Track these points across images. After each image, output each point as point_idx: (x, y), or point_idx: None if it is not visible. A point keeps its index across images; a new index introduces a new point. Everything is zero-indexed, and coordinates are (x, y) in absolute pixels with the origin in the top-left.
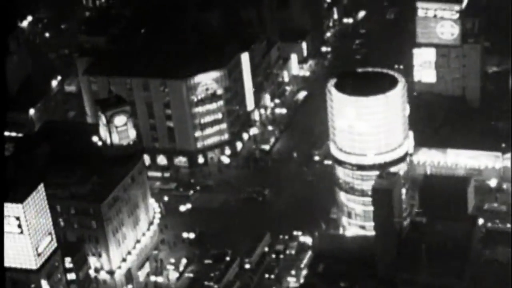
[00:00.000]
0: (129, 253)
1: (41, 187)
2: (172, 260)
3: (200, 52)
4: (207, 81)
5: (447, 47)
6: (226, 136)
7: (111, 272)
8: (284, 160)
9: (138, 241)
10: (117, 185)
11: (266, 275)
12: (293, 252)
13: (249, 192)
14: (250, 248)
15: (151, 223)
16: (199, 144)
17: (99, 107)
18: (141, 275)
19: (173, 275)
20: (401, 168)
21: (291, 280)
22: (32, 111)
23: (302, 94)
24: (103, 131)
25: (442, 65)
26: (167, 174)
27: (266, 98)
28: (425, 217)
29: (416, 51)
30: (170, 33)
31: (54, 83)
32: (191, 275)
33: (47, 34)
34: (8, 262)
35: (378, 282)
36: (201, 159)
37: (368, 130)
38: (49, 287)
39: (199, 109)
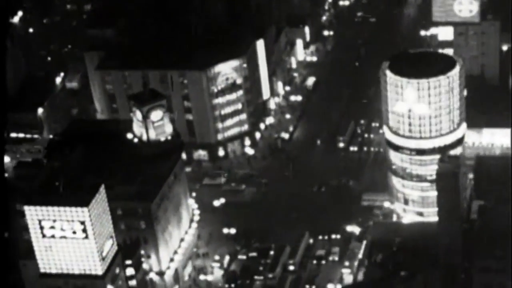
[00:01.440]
0: (175, 252)
1: (102, 189)
2: (217, 257)
3: (215, 41)
4: (227, 70)
5: (465, 25)
6: (246, 127)
7: (161, 273)
8: (308, 148)
9: (182, 240)
10: (164, 182)
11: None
12: (336, 258)
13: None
14: (293, 249)
15: (191, 221)
16: (220, 137)
17: (134, 102)
18: (186, 274)
19: (219, 272)
20: (458, 151)
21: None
22: (40, 111)
23: (311, 80)
24: (137, 127)
25: (459, 44)
26: (188, 169)
27: (279, 86)
28: (482, 200)
29: (433, 30)
30: (178, 23)
31: (57, 80)
32: (237, 270)
33: (30, 30)
34: (71, 269)
35: (442, 270)
36: (221, 152)
37: (429, 112)
38: None
39: (219, 100)
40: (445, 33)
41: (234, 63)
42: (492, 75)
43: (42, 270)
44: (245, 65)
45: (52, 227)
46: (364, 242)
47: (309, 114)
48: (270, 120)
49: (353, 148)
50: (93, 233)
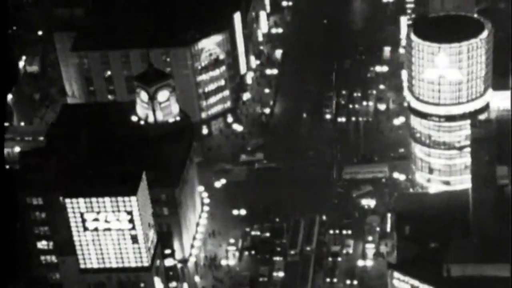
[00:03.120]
0: (194, 238)
1: (144, 176)
2: (232, 240)
3: (194, 15)
4: (210, 46)
5: None
6: (228, 104)
7: (184, 261)
8: (294, 122)
9: (197, 224)
10: (184, 166)
11: (328, 279)
12: (350, 251)
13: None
14: (308, 235)
15: (202, 204)
16: (204, 114)
17: (139, 83)
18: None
19: (234, 255)
20: (485, 115)
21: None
22: (10, 97)
23: (278, 53)
24: (141, 109)
25: (435, 8)
26: None
27: (252, 60)
28: (505, 165)
29: None
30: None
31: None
32: (252, 252)
33: None
34: (115, 262)
35: (475, 239)
36: (205, 130)
37: (461, 77)
38: (163, 285)
39: (203, 77)
40: None
41: (217, 38)
42: None
43: (82, 266)
44: (227, 40)
45: (96, 220)
46: (388, 215)
47: (284, 87)
48: (247, 95)
49: (341, 119)
50: (140, 223)
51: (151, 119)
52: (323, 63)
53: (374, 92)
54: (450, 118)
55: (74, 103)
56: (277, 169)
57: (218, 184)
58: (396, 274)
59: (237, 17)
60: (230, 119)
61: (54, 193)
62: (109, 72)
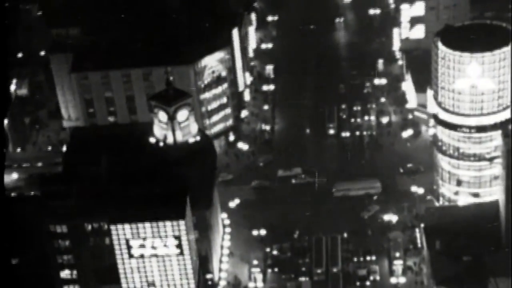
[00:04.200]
0: (221, 261)
1: (187, 199)
2: (255, 262)
3: (194, 32)
4: (213, 63)
5: None
6: (230, 122)
7: (214, 286)
8: (298, 138)
9: (222, 247)
10: (212, 187)
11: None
12: (377, 277)
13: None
14: (332, 256)
15: (224, 225)
16: (207, 133)
17: (157, 102)
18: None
19: (259, 276)
20: None
21: None
22: (6, 122)
23: (269, 68)
24: (159, 129)
25: (430, 19)
26: None
27: (247, 76)
28: None
29: (403, 7)
30: (141, 17)
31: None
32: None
33: None
34: None
35: (506, 252)
36: None
37: (493, 87)
38: None
39: (206, 95)
40: (416, 9)
41: (220, 54)
42: None
43: None
44: (228, 56)
45: (142, 246)
46: (417, 230)
47: (280, 103)
48: (245, 112)
49: (345, 134)
50: (188, 248)
51: (170, 140)
52: (315, 77)
53: (374, 106)
54: (481, 128)
55: (83, 127)
56: (314, 183)
57: (233, 204)
58: None
59: (235, 33)
60: (231, 137)
61: (79, 220)
62: (109, 93)
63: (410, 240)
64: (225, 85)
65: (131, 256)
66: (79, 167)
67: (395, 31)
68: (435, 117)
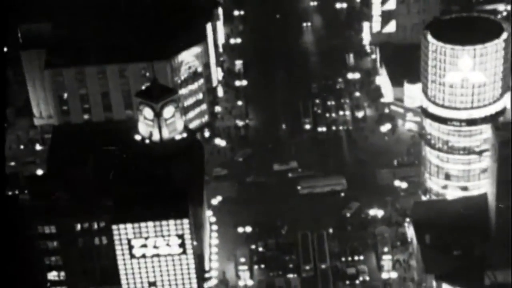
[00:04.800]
0: (210, 259)
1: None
2: (242, 259)
3: (167, 27)
4: (189, 58)
5: None
6: (206, 118)
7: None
8: (274, 133)
9: (210, 245)
10: (202, 185)
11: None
12: (367, 278)
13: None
14: (320, 251)
15: (210, 223)
16: None
17: (143, 99)
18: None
19: (246, 274)
20: (504, 118)
21: None
22: None
23: (238, 63)
24: (144, 126)
25: (401, 13)
26: None
27: (219, 72)
28: None
29: (375, 0)
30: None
31: None
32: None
33: None
34: None
35: (498, 245)
36: None
37: (485, 80)
38: None
39: (183, 91)
40: (388, 2)
41: (196, 50)
42: None
43: None
44: (203, 52)
45: (144, 246)
46: (406, 224)
47: (253, 98)
48: (218, 108)
49: (321, 129)
50: (191, 247)
51: (155, 137)
52: (286, 72)
53: (348, 100)
54: (472, 122)
55: (65, 124)
56: (312, 176)
57: (215, 201)
58: (445, 286)
59: (209, 27)
60: (206, 133)
61: (67, 220)
62: (84, 90)
63: (397, 235)
64: (201, 81)
65: (132, 256)
66: (64, 166)
67: (365, 25)
68: (424, 110)
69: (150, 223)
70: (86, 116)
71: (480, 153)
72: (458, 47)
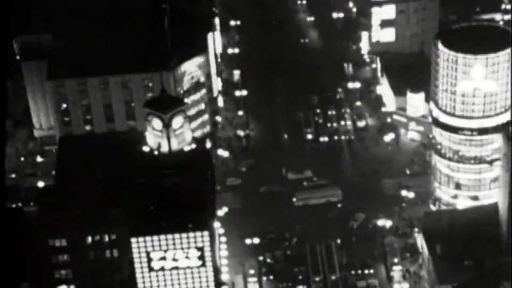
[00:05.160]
0: (220, 272)
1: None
2: (251, 271)
3: (169, 37)
4: (192, 68)
5: (406, 2)
6: (208, 128)
7: None
8: (277, 143)
9: (220, 257)
10: (214, 196)
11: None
12: None
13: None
14: (329, 263)
15: (219, 235)
16: None
17: (152, 110)
18: None
19: (255, 286)
20: None
21: None
22: None
23: (236, 73)
24: (152, 137)
25: (400, 22)
26: None
27: (218, 81)
28: None
29: (374, 10)
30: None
31: None
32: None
33: None
34: None
35: (508, 255)
36: None
37: (497, 88)
38: None
39: (186, 101)
40: (387, 12)
41: (199, 60)
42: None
43: None
44: (207, 62)
45: (163, 258)
46: (416, 235)
47: (253, 108)
48: (218, 118)
49: (323, 139)
50: (211, 259)
51: (164, 148)
52: (285, 82)
53: (348, 110)
54: (483, 131)
55: (71, 135)
56: (326, 185)
57: (221, 212)
58: None
59: (211, 37)
60: (208, 144)
61: (78, 233)
62: (86, 101)
63: (406, 246)
64: (203, 91)
65: (151, 269)
66: (73, 178)
67: (364, 34)
68: (434, 120)
69: (170, 236)
70: (88, 127)
71: (491, 162)
72: (470, 56)
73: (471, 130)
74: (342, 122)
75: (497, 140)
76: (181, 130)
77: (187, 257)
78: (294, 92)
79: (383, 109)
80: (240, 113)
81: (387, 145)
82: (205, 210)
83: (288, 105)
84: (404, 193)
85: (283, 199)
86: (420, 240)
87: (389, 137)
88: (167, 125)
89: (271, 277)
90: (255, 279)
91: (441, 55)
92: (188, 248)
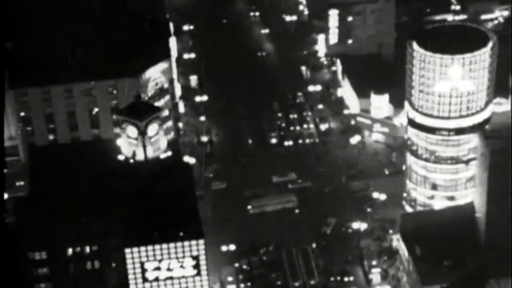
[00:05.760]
0: None
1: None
2: (230, 278)
3: (131, 43)
4: (156, 75)
5: (363, 4)
6: (172, 135)
7: None
8: (241, 149)
9: None
10: (196, 202)
11: None
12: None
13: None
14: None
15: None
16: None
17: (126, 117)
18: None
19: None
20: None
21: None
22: None
23: (193, 78)
24: (126, 146)
25: (358, 24)
26: None
27: (177, 87)
28: None
29: (332, 12)
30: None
31: None
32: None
33: None
34: None
35: (487, 253)
36: None
37: (473, 88)
38: None
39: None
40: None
41: (163, 65)
42: (388, 53)
43: None
44: (170, 68)
45: (157, 268)
46: (394, 236)
47: (212, 113)
48: (180, 125)
49: (288, 143)
50: (206, 268)
51: (140, 156)
52: (243, 87)
53: (309, 113)
54: (460, 131)
55: (43, 146)
56: (311, 188)
57: None
58: None
59: (173, 42)
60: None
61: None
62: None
63: (381, 248)
64: (167, 97)
65: (145, 279)
66: (49, 189)
67: (320, 37)
68: (411, 121)
69: (165, 245)
70: (51, 137)
71: (467, 162)
72: (447, 56)
73: (448, 130)
74: (305, 126)
75: (473, 139)
76: (157, 138)
77: (181, 266)
78: (253, 97)
79: (346, 112)
80: (202, 118)
81: (353, 148)
82: (198, 217)
83: (248, 110)
84: (375, 195)
85: None
86: (395, 242)
87: (355, 139)
88: (142, 133)
89: (249, 283)
90: (233, 286)
91: (418, 56)
92: (183, 257)
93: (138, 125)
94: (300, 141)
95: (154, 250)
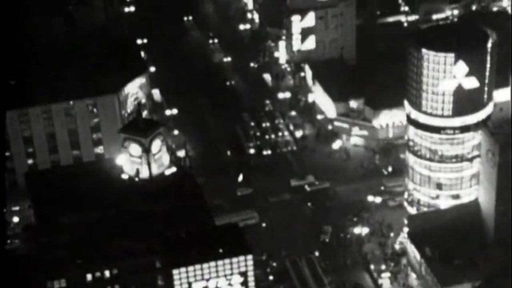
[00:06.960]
0: None
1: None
2: None
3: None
4: (134, 90)
5: (325, 8)
6: None
7: None
8: (220, 161)
9: None
10: (212, 217)
11: None
12: None
13: None
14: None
15: None
16: None
17: (129, 134)
18: None
19: None
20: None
21: None
22: None
23: (155, 92)
24: (129, 164)
25: (320, 29)
26: None
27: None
28: None
29: (294, 18)
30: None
31: None
32: None
33: None
34: None
35: (496, 251)
36: None
37: (478, 86)
38: None
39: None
40: (307, 20)
41: (140, 80)
42: (350, 56)
43: None
44: (148, 82)
45: None
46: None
47: (182, 126)
48: None
49: (267, 152)
50: (253, 284)
51: (144, 174)
52: (209, 99)
53: (282, 121)
54: (465, 128)
55: (38, 170)
56: (329, 189)
57: None
58: None
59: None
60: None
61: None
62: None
63: (385, 252)
64: (145, 112)
65: None
66: (56, 214)
67: (281, 44)
68: (413, 121)
69: (213, 263)
70: (30, 161)
71: (471, 159)
72: (450, 54)
73: (454, 128)
74: (280, 133)
75: (477, 136)
76: (160, 154)
77: (229, 284)
78: (221, 109)
79: (319, 117)
80: (176, 132)
81: (336, 152)
82: (240, 232)
83: (219, 122)
84: (370, 198)
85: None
86: (398, 245)
87: (336, 144)
88: (147, 150)
89: None
90: None
91: (421, 56)
92: (231, 274)
93: (142, 142)
94: (278, 150)
95: (202, 269)
